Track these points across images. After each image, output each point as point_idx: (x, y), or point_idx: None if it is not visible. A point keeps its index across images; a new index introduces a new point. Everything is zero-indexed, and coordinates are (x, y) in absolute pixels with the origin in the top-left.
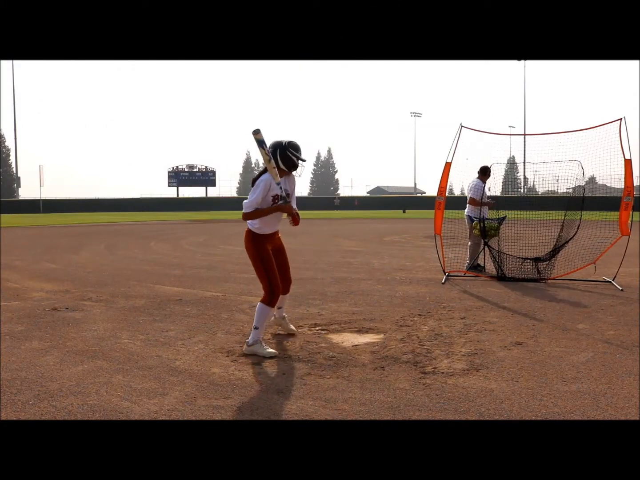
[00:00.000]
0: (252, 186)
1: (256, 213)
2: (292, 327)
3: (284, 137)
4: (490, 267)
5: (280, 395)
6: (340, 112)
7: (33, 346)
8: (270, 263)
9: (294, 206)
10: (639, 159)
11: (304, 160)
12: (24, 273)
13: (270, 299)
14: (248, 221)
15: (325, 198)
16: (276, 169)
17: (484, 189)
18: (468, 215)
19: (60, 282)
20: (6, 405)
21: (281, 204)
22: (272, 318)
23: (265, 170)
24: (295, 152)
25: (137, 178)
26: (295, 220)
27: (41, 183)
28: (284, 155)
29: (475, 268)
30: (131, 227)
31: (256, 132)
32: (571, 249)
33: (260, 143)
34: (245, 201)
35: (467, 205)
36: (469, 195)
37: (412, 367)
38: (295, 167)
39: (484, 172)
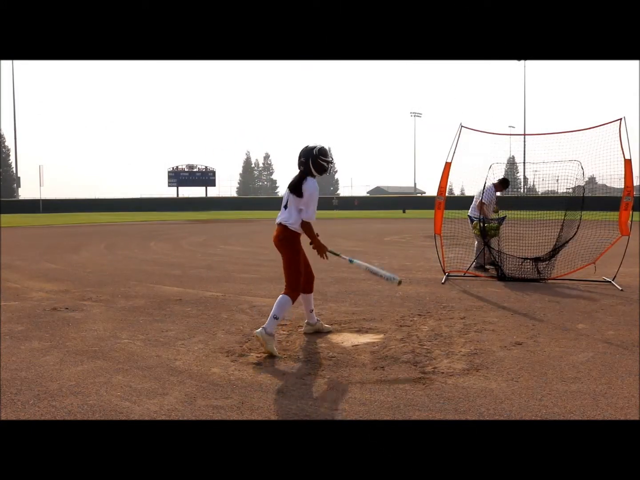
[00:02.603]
0: (294, 191)
1: (311, 230)
2: (327, 325)
3: (315, 142)
4: (492, 268)
5: (280, 395)
6: (340, 112)
7: (33, 346)
8: (301, 261)
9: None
10: (639, 159)
11: (332, 162)
12: (24, 273)
13: (295, 294)
14: (291, 222)
15: (324, 198)
16: None
17: (494, 197)
18: (469, 216)
19: (60, 282)
20: (6, 405)
21: (321, 244)
22: (307, 326)
23: (303, 176)
24: (325, 158)
25: (137, 178)
26: (322, 257)
27: (41, 183)
28: (316, 163)
29: (481, 268)
30: (131, 227)
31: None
32: (571, 249)
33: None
34: (306, 212)
35: (472, 206)
36: (480, 198)
37: (412, 367)
38: (326, 170)
39: (503, 184)
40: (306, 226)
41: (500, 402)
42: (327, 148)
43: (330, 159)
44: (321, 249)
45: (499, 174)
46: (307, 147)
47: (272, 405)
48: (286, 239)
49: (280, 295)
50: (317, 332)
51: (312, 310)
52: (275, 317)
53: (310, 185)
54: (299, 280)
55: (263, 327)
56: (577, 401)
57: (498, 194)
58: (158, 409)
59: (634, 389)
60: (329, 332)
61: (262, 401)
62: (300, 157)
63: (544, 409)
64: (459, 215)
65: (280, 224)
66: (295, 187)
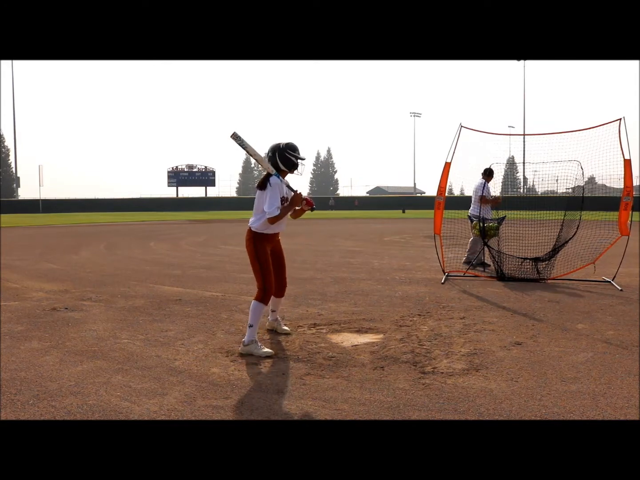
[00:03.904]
0: (260, 189)
1: (282, 214)
2: (286, 327)
3: (282, 139)
4: (489, 267)
5: (279, 395)
6: (339, 112)
7: (32, 346)
8: (267, 262)
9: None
10: (639, 159)
11: (303, 159)
12: (23, 273)
13: (263, 297)
14: (250, 222)
15: (322, 198)
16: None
17: (488, 188)
18: (469, 216)
19: (60, 282)
20: (6, 405)
21: (293, 196)
22: (267, 322)
23: (268, 175)
24: (293, 153)
25: (137, 178)
26: (308, 202)
27: (40, 183)
28: (283, 157)
29: (481, 265)
30: (131, 227)
31: (236, 137)
32: (571, 249)
33: (241, 142)
34: (266, 206)
35: (472, 205)
36: (480, 193)
37: (411, 367)
38: (295, 166)
39: (488, 174)
40: (273, 220)
41: (500, 402)
42: (297, 146)
43: (301, 157)
44: (296, 202)
45: (498, 173)
46: (275, 143)
47: (272, 405)
48: (247, 241)
49: (252, 302)
50: (274, 330)
51: (274, 311)
52: (250, 326)
53: (272, 179)
54: (265, 281)
55: (242, 342)
56: (576, 401)
57: (490, 185)
58: (158, 409)
59: (634, 389)
60: (287, 334)
61: (261, 401)
62: (267, 153)
63: (544, 409)
64: (458, 215)
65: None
66: (262, 183)
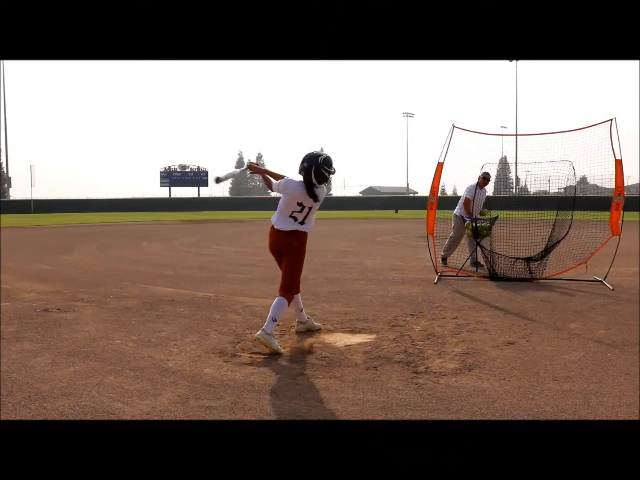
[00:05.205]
0: (315, 198)
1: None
2: (317, 323)
3: (319, 150)
4: (482, 267)
5: (272, 396)
6: (332, 112)
7: (24, 347)
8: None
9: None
10: (630, 160)
11: (334, 172)
12: (15, 274)
13: (292, 295)
14: (302, 226)
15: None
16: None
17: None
18: (462, 217)
19: (52, 282)
20: None
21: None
22: (299, 325)
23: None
24: (328, 169)
25: (130, 178)
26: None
27: (32, 183)
28: (318, 172)
29: (474, 264)
30: (123, 228)
31: (218, 180)
32: (563, 249)
33: (226, 178)
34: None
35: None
36: (466, 196)
37: (404, 367)
38: (326, 180)
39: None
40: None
41: (493, 401)
42: (331, 158)
43: (333, 170)
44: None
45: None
46: (312, 153)
47: (265, 406)
48: (299, 242)
49: (278, 298)
50: (308, 330)
51: (302, 310)
52: (274, 319)
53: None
54: (299, 281)
55: (262, 329)
56: (568, 400)
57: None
58: (150, 410)
59: (625, 388)
60: (319, 330)
61: (254, 401)
62: (303, 162)
63: (536, 408)
64: (451, 215)
65: (293, 230)
66: (315, 196)
